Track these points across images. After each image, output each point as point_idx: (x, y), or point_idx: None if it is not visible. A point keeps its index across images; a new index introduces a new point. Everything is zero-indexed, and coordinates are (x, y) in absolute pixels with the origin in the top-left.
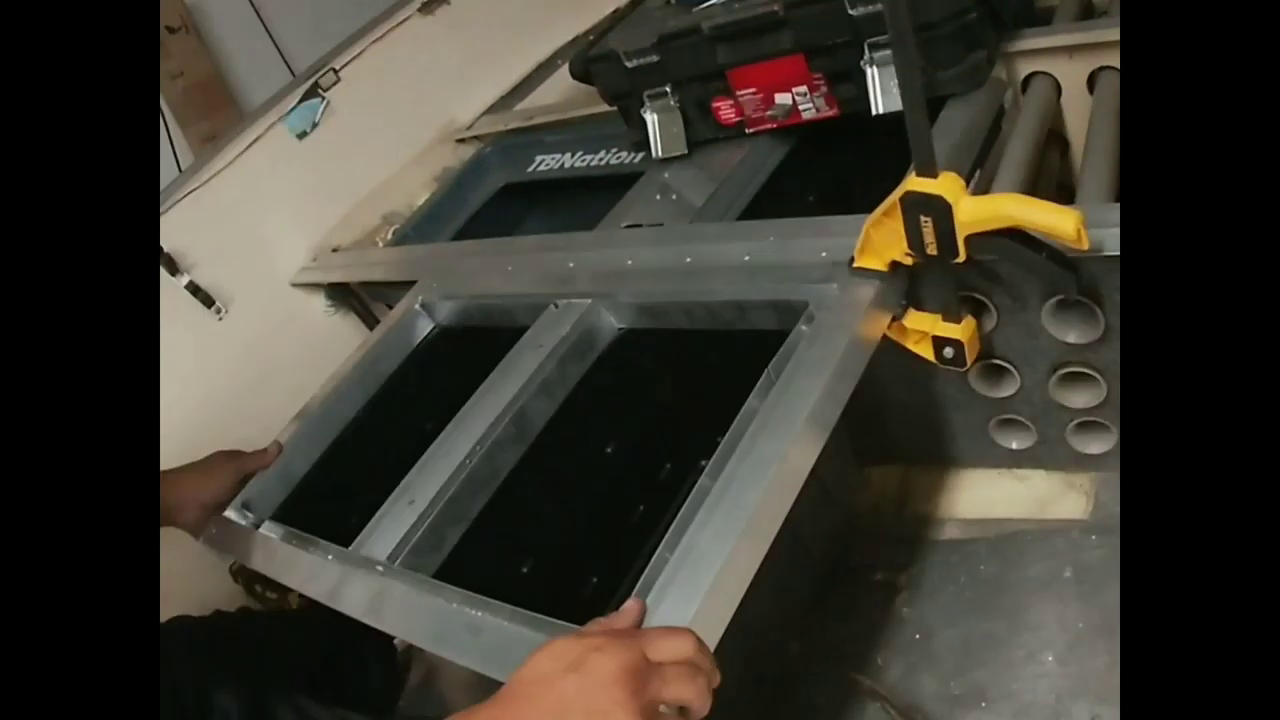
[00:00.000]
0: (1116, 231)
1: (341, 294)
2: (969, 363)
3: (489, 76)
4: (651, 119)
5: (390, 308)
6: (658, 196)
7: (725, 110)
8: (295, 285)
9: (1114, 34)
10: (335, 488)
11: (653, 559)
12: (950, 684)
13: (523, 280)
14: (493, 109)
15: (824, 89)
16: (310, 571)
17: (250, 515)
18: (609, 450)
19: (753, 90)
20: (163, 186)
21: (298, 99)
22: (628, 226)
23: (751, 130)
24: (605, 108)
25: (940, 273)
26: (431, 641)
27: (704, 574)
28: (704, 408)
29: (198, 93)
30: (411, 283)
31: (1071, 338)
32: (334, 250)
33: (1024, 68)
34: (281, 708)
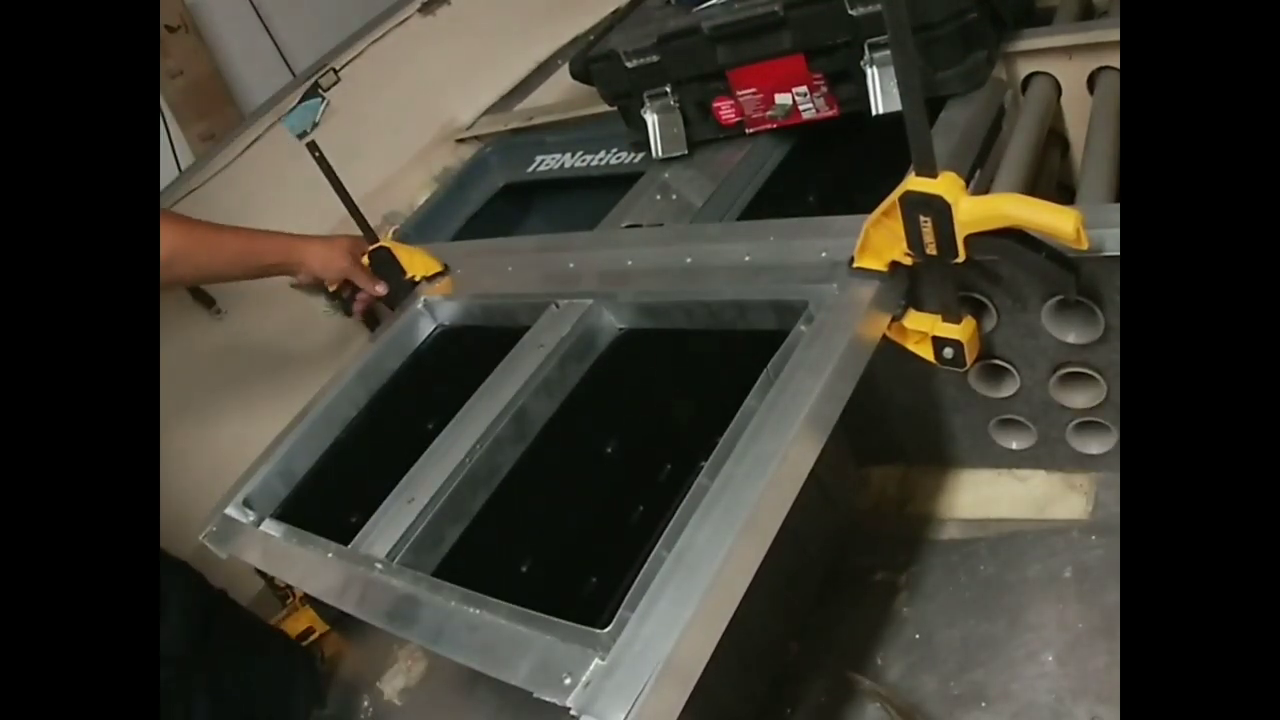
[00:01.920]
0: (1116, 232)
1: (342, 294)
2: (969, 363)
3: (489, 76)
4: (651, 119)
5: (391, 308)
6: (658, 196)
7: (725, 110)
8: (295, 285)
9: (1114, 34)
10: (336, 486)
11: (650, 557)
12: (950, 684)
13: (523, 280)
14: (493, 109)
15: (824, 89)
16: (310, 569)
17: (251, 513)
18: (609, 449)
19: (753, 90)
20: (163, 186)
21: (298, 99)
22: (628, 226)
23: (751, 130)
24: (605, 108)
25: (940, 273)
26: (429, 639)
27: (702, 573)
28: (704, 407)
29: (197, 92)
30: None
31: (1071, 338)
32: None
33: (1024, 68)
34: None
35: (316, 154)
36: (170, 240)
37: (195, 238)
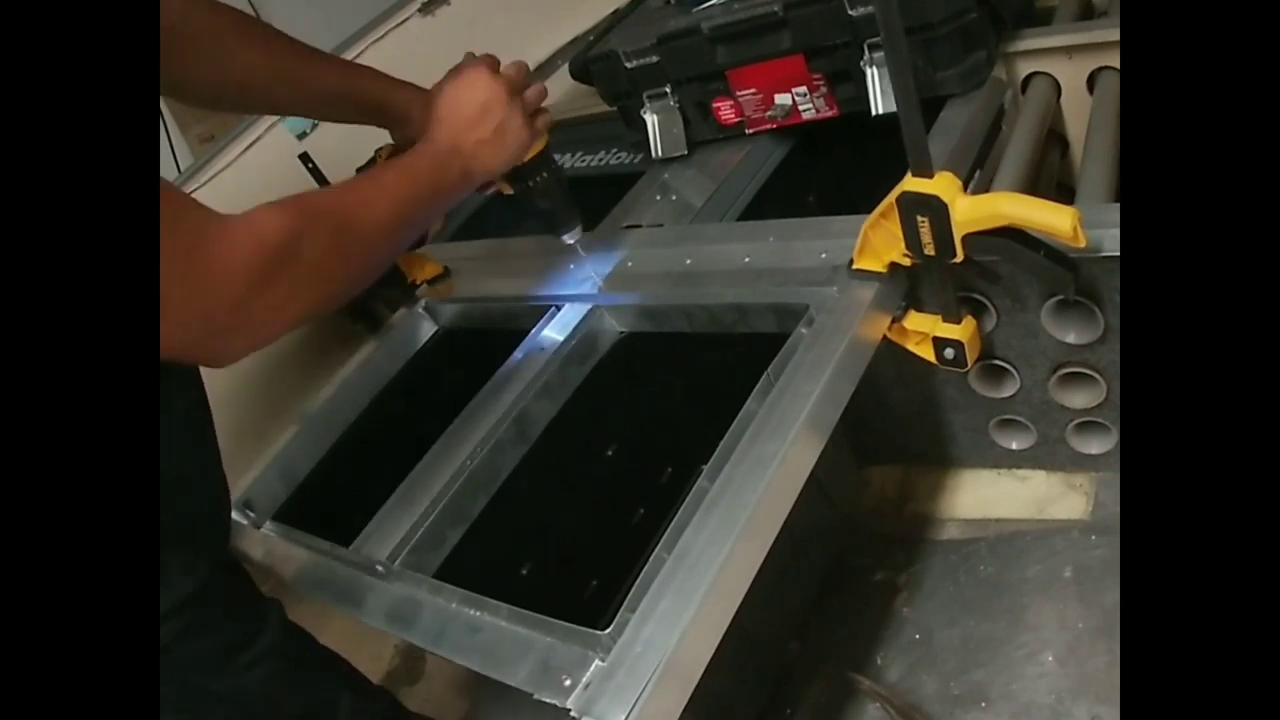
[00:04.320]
0: (1116, 232)
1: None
2: (969, 364)
3: None
4: (651, 119)
5: (391, 309)
6: (658, 197)
7: (725, 111)
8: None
9: (1114, 34)
10: (337, 488)
11: (650, 559)
12: (950, 684)
13: (524, 282)
14: None
15: (824, 89)
16: (310, 571)
17: (252, 515)
18: (610, 452)
19: (752, 91)
20: None
21: None
22: (628, 227)
23: (751, 131)
24: (605, 108)
25: (939, 273)
26: (430, 640)
27: (701, 575)
28: (704, 410)
29: None
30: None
31: (1071, 338)
32: None
33: (1024, 68)
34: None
35: (309, 165)
36: (265, 63)
37: (291, 60)
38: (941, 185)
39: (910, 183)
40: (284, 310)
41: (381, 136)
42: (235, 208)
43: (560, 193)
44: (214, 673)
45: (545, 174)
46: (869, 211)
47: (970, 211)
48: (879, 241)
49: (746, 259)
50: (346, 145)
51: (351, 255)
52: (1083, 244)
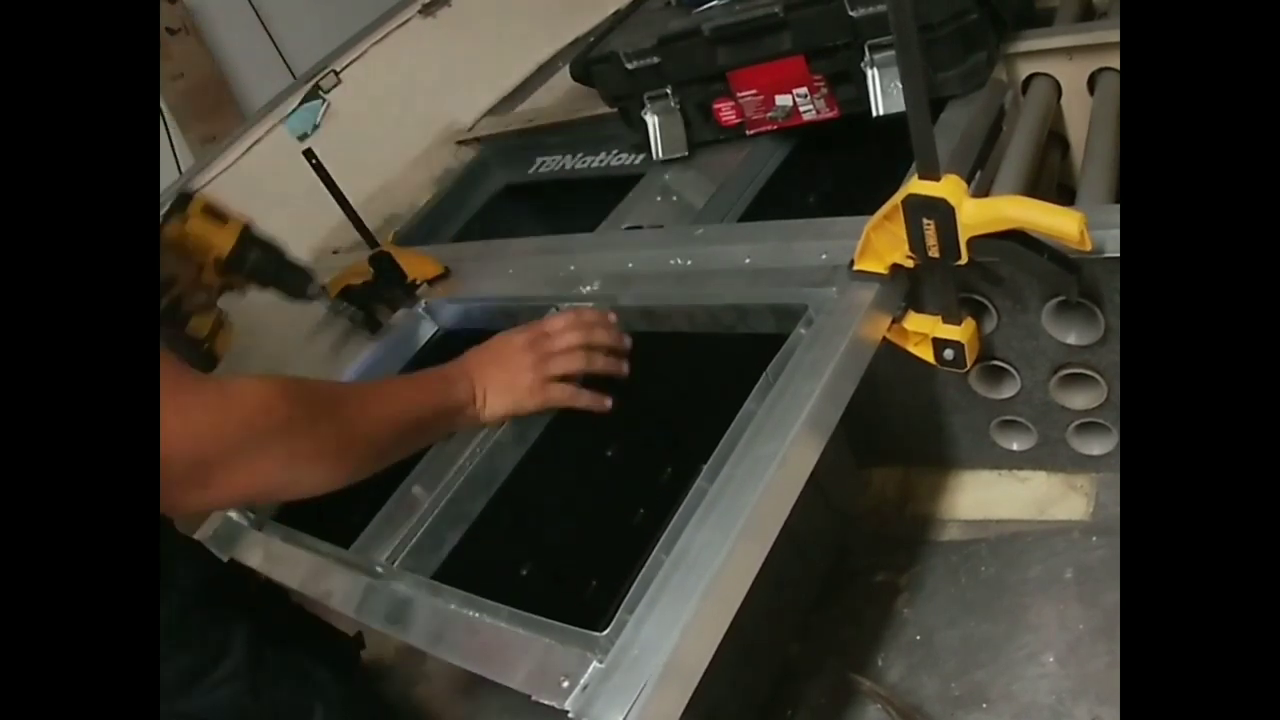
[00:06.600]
0: (1116, 233)
1: (342, 296)
2: (969, 365)
3: (490, 78)
4: (652, 120)
5: (391, 309)
6: (658, 198)
7: (726, 112)
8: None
9: (1114, 35)
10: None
11: (649, 560)
12: (951, 685)
13: (524, 283)
14: (494, 110)
15: (824, 90)
16: (310, 572)
17: (252, 516)
18: (609, 453)
19: (753, 92)
20: (163, 188)
21: (298, 101)
22: (628, 228)
23: (752, 132)
24: (606, 109)
25: (941, 275)
26: (429, 642)
27: (700, 576)
28: (704, 411)
29: (198, 94)
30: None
31: (1072, 339)
32: (334, 252)
33: (1024, 69)
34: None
35: (313, 161)
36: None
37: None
38: (948, 188)
39: (916, 185)
40: (246, 481)
41: (383, 139)
42: (236, 208)
43: (277, 262)
44: (179, 698)
45: (256, 252)
46: (870, 213)
47: (976, 215)
48: (881, 243)
49: (747, 260)
50: (348, 147)
51: (338, 447)
52: (1089, 248)
